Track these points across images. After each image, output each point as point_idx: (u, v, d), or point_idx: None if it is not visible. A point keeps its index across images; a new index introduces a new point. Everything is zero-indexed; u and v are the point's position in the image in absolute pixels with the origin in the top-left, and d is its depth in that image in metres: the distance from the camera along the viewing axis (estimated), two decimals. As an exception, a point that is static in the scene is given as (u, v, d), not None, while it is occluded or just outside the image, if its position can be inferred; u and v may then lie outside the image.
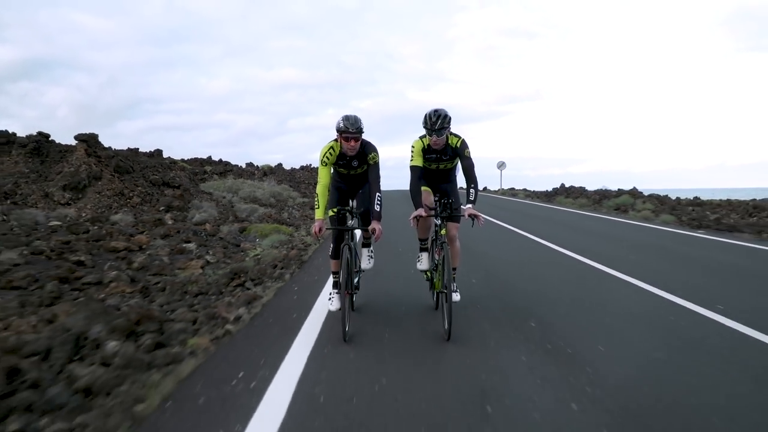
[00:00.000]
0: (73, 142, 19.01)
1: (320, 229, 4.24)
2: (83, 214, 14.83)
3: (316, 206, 4.39)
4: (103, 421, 2.63)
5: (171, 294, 5.98)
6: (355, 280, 4.69)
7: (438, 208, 4.62)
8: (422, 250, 5.08)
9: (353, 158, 4.46)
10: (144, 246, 9.25)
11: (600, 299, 5.69)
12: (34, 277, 6.82)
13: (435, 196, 4.82)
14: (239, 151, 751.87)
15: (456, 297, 4.55)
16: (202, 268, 7.54)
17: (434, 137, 4.38)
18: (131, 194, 17.84)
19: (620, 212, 18.66)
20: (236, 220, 14.09)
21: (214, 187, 23.66)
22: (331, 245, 4.65)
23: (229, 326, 4.36)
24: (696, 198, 22.20)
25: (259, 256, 8.32)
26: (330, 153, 4.40)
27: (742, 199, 21.65)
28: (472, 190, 4.46)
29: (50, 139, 19.28)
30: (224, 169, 31.29)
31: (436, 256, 4.70)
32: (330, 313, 4.73)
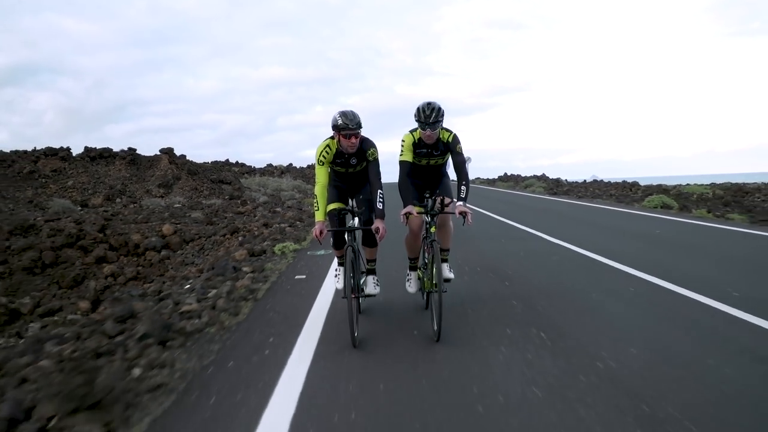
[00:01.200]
0: (152, 154, 26.74)
1: (321, 232, 4.00)
2: (182, 202, 22.54)
3: (316, 208, 4.16)
4: (302, 234, 10.59)
5: (288, 221, 13.85)
6: (360, 281, 4.48)
7: (428, 206, 4.39)
8: (411, 268, 4.81)
9: (351, 156, 4.23)
10: (251, 211, 17.09)
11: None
12: (218, 223, 14.68)
13: (426, 193, 4.61)
14: (228, 151, 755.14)
15: (450, 275, 4.58)
16: (290, 216, 15.39)
17: (428, 131, 4.19)
18: (202, 188, 25.54)
19: (525, 188, 29.97)
20: (287, 200, 21.93)
21: (248, 183, 31.36)
22: (331, 240, 4.48)
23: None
24: (600, 180, 31.70)
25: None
26: (326, 152, 4.17)
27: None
28: (463, 187, 4.31)
29: (136, 152, 26.85)
30: (248, 169, 38.98)
31: (426, 255, 4.48)
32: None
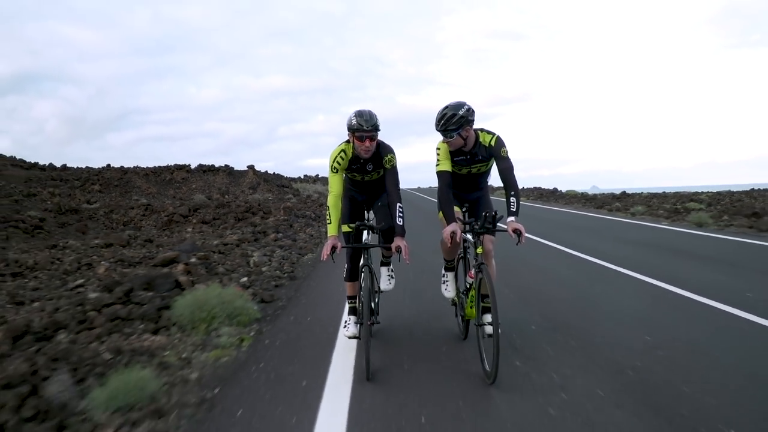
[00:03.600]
0: (241, 168, 42.25)
1: (333, 249, 3.66)
2: (270, 197, 37.86)
3: (328, 221, 3.88)
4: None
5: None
6: (373, 303, 4.14)
7: (473, 223, 3.82)
8: (448, 269, 4.43)
9: (368, 162, 3.99)
10: (317, 200, 32.53)
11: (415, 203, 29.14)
12: (307, 203, 30.24)
13: (463, 206, 4.19)
14: (229, 160, 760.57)
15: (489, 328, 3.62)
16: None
17: (445, 139, 3.86)
18: (273, 189, 40.89)
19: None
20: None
21: (295, 187, 46.68)
22: (346, 266, 4.20)
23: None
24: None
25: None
26: (341, 157, 3.94)
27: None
28: (512, 199, 3.79)
29: (231, 167, 42.13)
30: (290, 179, 54.43)
31: (469, 279, 4.00)
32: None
